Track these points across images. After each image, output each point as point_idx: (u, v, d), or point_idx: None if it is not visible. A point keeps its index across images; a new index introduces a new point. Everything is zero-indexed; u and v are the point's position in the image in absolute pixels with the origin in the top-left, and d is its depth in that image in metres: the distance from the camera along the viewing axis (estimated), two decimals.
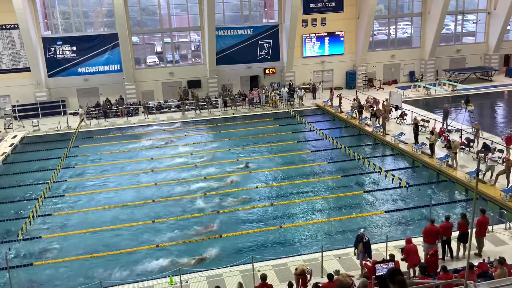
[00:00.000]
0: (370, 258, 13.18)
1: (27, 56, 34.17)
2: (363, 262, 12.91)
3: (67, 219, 19.00)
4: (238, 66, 38.06)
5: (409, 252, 13.10)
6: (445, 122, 27.08)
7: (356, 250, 13.76)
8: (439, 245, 14.21)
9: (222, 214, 18.50)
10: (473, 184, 19.00)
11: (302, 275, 12.63)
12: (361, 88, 38.89)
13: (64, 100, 35.05)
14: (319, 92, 36.73)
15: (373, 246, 14.72)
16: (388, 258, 12.60)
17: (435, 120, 26.97)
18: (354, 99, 31.99)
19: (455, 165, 21.14)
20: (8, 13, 32.74)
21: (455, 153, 21.18)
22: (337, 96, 32.80)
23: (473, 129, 24.87)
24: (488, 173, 19.65)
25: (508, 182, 18.77)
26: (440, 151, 22.91)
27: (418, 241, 14.78)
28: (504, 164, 19.19)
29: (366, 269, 12.45)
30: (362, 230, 13.92)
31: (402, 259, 13.28)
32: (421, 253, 13.64)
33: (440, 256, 14.09)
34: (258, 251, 15.57)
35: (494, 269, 11.83)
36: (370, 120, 28.46)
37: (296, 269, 12.98)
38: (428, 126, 26.31)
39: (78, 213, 19.45)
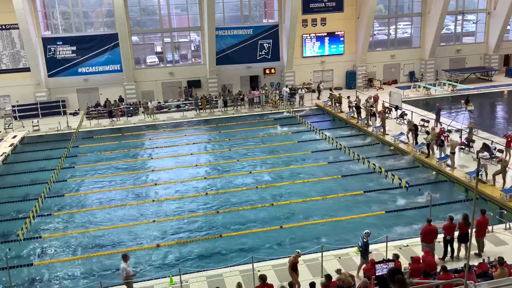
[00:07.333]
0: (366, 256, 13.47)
1: (27, 56, 34.16)
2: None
3: (67, 219, 19.00)
4: (238, 66, 38.04)
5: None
6: (439, 121, 27.09)
7: (358, 249, 13.81)
8: (441, 244, 14.22)
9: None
10: (473, 184, 19.00)
11: (294, 265, 12.73)
12: (361, 88, 38.88)
13: (64, 100, 35.05)
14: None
15: (373, 246, 14.72)
16: (388, 258, 12.61)
17: (435, 120, 26.95)
18: (349, 97, 32.01)
19: (453, 165, 21.14)
20: (8, 13, 32.71)
21: (453, 153, 21.21)
22: (337, 95, 32.86)
23: (468, 127, 24.93)
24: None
25: (504, 182, 18.80)
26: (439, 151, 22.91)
27: (417, 241, 14.81)
28: (500, 164, 19.19)
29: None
30: (367, 231, 13.66)
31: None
32: (420, 254, 13.65)
33: (441, 256, 14.11)
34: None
35: (494, 269, 11.84)
36: (370, 120, 28.46)
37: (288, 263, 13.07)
38: (427, 126, 26.30)
39: (78, 213, 19.45)
